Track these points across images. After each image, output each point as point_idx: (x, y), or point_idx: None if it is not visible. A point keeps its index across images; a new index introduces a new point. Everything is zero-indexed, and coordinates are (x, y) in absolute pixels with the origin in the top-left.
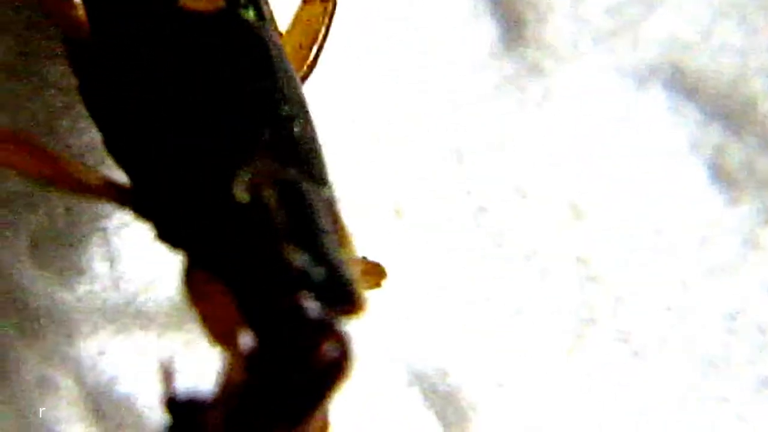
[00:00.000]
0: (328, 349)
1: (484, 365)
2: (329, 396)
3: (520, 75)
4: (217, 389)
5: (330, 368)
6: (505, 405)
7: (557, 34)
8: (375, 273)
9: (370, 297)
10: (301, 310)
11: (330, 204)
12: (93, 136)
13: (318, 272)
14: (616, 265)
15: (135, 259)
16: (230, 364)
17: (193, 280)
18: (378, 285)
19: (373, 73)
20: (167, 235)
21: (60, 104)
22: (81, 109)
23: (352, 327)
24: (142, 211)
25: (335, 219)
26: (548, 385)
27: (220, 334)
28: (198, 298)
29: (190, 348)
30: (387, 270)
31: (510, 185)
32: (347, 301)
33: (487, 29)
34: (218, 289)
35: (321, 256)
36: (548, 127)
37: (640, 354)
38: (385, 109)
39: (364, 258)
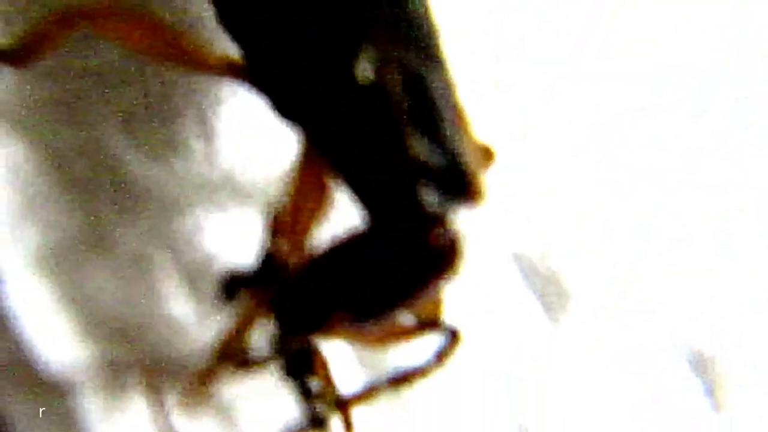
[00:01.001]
0: (439, 236)
1: (583, 248)
2: (437, 282)
3: None
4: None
5: (439, 255)
6: (604, 288)
7: None
8: (484, 155)
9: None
10: (416, 196)
11: (449, 87)
12: (189, 10)
13: (438, 160)
14: None
15: (231, 135)
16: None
17: (306, 156)
18: (486, 167)
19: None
20: (284, 110)
21: None
22: None
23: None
24: (258, 85)
25: (454, 103)
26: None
27: (301, 215)
28: (304, 175)
29: None
30: (495, 152)
31: None
32: (466, 190)
33: None
34: (325, 171)
35: (441, 143)
36: None
37: None
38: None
39: (475, 139)
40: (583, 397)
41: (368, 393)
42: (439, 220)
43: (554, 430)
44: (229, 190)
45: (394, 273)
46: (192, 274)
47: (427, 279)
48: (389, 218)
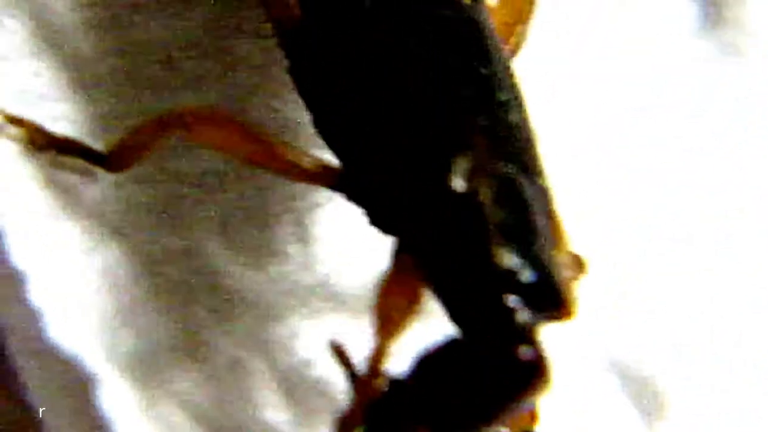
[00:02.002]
0: (526, 352)
1: (679, 354)
2: (523, 399)
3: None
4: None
5: (525, 372)
6: (700, 396)
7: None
8: (576, 265)
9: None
10: (504, 309)
11: (545, 196)
12: (286, 115)
13: (528, 275)
14: None
15: (327, 241)
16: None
17: (399, 263)
18: (577, 277)
19: (573, 55)
20: (378, 219)
21: (251, 83)
22: (273, 87)
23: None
24: (353, 195)
25: (550, 213)
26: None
27: (391, 322)
28: (397, 281)
29: None
30: (587, 263)
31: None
32: (556, 306)
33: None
34: (416, 280)
35: (532, 257)
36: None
37: None
38: (587, 90)
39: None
40: None
41: None
42: (527, 335)
43: None
44: (325, 295)
45: (478, 389)
46: (288, 381)
47: (511, 396)
48: (476, 331)
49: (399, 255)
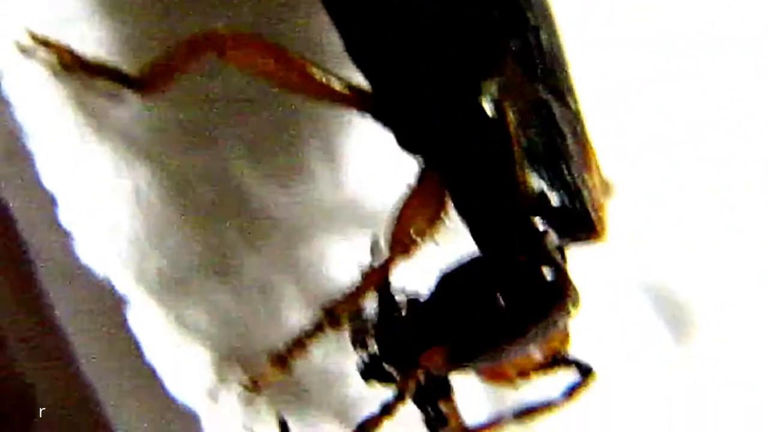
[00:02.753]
0: (548, 274)
1: (711, 275)
2: (545, 320)
3: None
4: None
5: (547, 293)
6: (734, 320)
7: None
8: (604, 188)
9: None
10: (529, 232)
11: (576, 120)
12: (316, 38)
13: (556, 197)
14: None
15: (356, 160)
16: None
17: (424, 181)
18: (606, 201)
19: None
20: (406, 140)
21: (282, 5)
22: (304, 10)
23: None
24: (382, 117)
25: (581, 137)
26: None
27: (408, 235)
28: (415, 198)
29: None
30: (616, 187)
31: None
32: (585, 229)
33: None
34: (438, 199)
35: (562, 180)
36: None
37: None
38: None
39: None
40: (707, 420)
41: (494, 425)
42: (553, 257)
43: None
44: (354, 216)
45: (499, 309)
46: (317, 301)
47: (533, 317)
48: (501, 252)
49: (424, 172)
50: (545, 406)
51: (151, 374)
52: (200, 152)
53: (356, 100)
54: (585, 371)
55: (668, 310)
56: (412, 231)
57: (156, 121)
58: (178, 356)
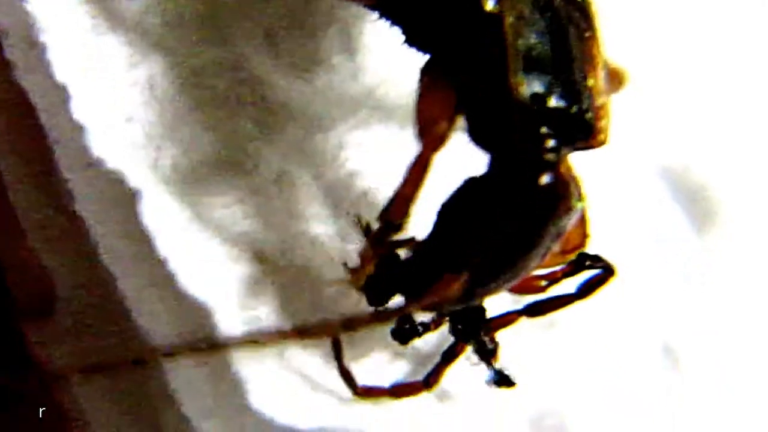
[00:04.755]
0: (544, 180)
1: (731, 159)
2: (549, 226)
3: None
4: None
5: (545, 198)
6: (753, 199)
7: None
8: (617, 77)
9: (613, 122)
10: (526, 135)
11: (582, 16)
12: None
13: (555, 101)
14: None
15: (374, 50)
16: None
17: (429, 75)
18: (619, 88)
19: None
20: (413, 37)
21: None
22: None
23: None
24: (389, 14)
25: (585, 34)
26: None
27: (428, 132)
28: (426, 93)
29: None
30: (629, 74)
31: None
32: (585, 133)
33: None
34: (446, 93)
35: (562, 83)
36: None
37: None
38: None
39: (608, 62)
40: (729, 314)
41: (506, 318)
42: (550, 161)
43: (700, 347)
44: (373, 106)
45: (504, 223)
46: (335, 192)
47: (537, 224)
48: (500, 155)
49: (431, 68)
50: (558, 301)
51: (165, 266)
52: (214, 43)
53: None
54: (607, 269)
55: (687, 197)
56: (436, 120)
57: (169, 12)
58: (192, 248)
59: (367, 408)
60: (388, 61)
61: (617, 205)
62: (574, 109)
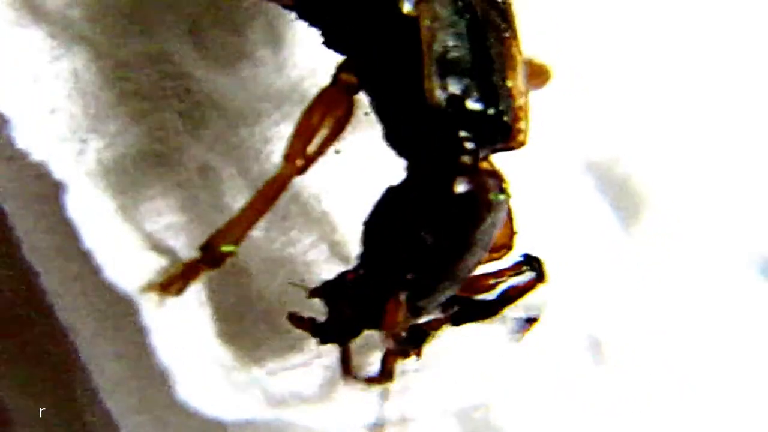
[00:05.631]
0: (461, 184)
1: (657, 151)
2: (471, 231)
3: None
4: None
5: (464, 204)
6: (679, 192)
7: None
8: (541, 73)
9: (532, 123)
10: (440, 139)
11: (502, 18)
12: None
13: (474, 103)
14: None
15: (300, 44)
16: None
17: (338, 81)
18: (543, 85)
19: None
20: (330, 39)
21: None
22: None
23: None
24: (307, 15)
25: (504, 36)
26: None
27: (299, 150)
28: (326, 98)
29: (356, 133)
30: (553, 70)
31: None
32: (504, 136)
33: None
34: (346, 102)
35: (479, 86)
36: None
37: None
38: None
39: (530, 59)
40: (655, 307)
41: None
42: (468, 165)
43: (624, 340)
44: (297, 100)
45: (428, 236)
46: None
47: (464, 231)
48: (419, 167)
49: (342, 72)
50: (483, 307)
51: (89, 259)
52: (138, 35)
53: None
54: (539, 276)
55: (613, 191)
56: (311, 143)
57: (93, 6)
58: (117, 242)
59: (290, 404)
60: (313, 54)
61: (544, 200)
62: (492, 111)
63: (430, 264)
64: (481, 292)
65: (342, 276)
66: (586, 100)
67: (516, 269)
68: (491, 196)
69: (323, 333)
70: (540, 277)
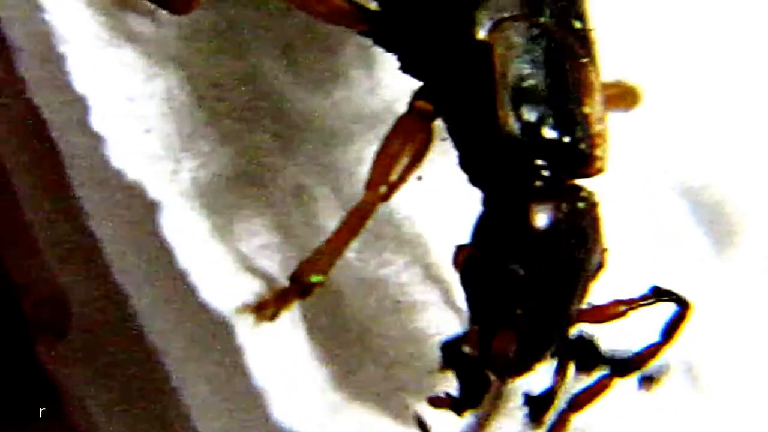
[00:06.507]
0: (539, 211)
1: (752, 174)
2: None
3: None
4: None
5: (544, 237)
6: None
7: None
8: (631, 95)
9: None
10: (517, 167)
11: (581, 43)
12: None
13: (550, 131)
14: None
15: (392, 65)
16: None
17: (414, 109)
18: (633, 107)
19: None
20: (406, 65)
21: None
22: None
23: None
24: (383, 41)
25: (582, 62)
26: None
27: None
28: (404, 126)
29: (446, 156)
30: (643, 92)
31: None
32: (581, 163)
33: None
34: (424, 130)
35: (556, 112)
36: None
37: None
38: None
39: (619, 81)
40: (751, 332)
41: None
42: (546, 193)
43: (720, 367)
44: (390, 120)
45: (527, 268)
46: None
47: (555, 258)
48: (492, 189)
49: (418, 99)
50: (647, 353)
51: (183, 280)
52: (232, 55)
53: (361, 21)
54: (683, 304)
55: (707, 215)
56: (392, 170)
57: (187, 24)
58: (211, 263)
59: None
60: (405, 76)
61: (637, 224)
62: (568, 138)
63: (532, 295)
64: (609, 320)
65: (457, 338)
66: (678, 122)
67: (647, 300)
68: (573, 206)
69: (461, 405)
70: (685, 305)
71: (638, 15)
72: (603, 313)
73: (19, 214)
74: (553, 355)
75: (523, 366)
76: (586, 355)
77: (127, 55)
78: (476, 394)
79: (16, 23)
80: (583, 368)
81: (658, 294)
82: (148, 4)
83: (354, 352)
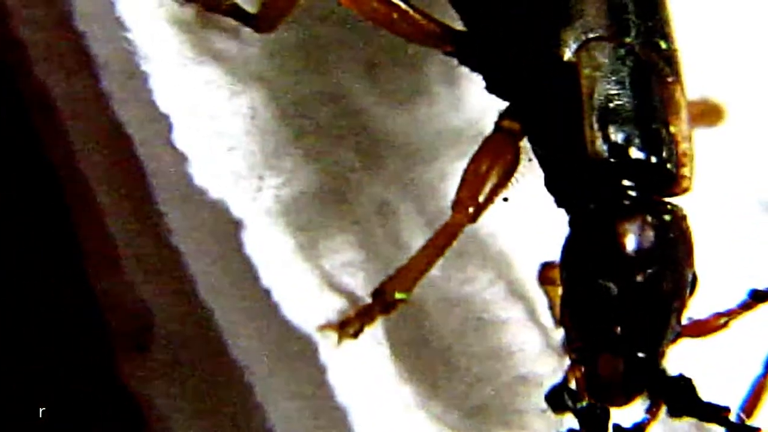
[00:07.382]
0: (625, 229)
1: None
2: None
3: None
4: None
5: (632, 241)
6: None
7: None
8: (715, 113)
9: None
10: (604, 189)
11: (666, 63)
12: None
13: (637, 152)
14: None
15: (475, 81)
16: None
17: (500, 128)
18: (718, 124)
19: None
20: (492, 85)
21: None
22: None
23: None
24: (468, 62)
25: (668, 81)
26: None
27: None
28: (491, 146)
29: (530, 173)
30: (727, 109)
31: None
32: (668, 183)
33: None
34: (511, 150)
35: (641, 133)
36: None
37: None
38: None
39: (704, 99)
40: None
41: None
42: (632, 210)
43: None
44: (474, 137)
45: (614, 280)
46: (437, 223)
47: (641, 268)
48: (579, 216)
49: (504, 119)
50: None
51: (267, 297)
52: (315, 73)
53: (447, 42)
54: None
55: None
56: (480, 191)
57: (270, 43)
58: (295, 280)
59: None
60: (488, 93)
61: (722, 240)
62: (655, 158)
63: (629, 312)
64: (711, 332)
65: (560, 384)
66: (761, 138)
67: (747, 306)
68: (660, 219)
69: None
70: None
71: (720, 33)
72: (705, 327)
73: (103, 230)
74: (649, 391)
75: (632, 389)
76: (682, 397)
77: (211, 72)
78: (600, 428)
79: (100, 40)
80: (675, 412)
81: (757, 297)
82: (232, 21)
83: (437, 369)
